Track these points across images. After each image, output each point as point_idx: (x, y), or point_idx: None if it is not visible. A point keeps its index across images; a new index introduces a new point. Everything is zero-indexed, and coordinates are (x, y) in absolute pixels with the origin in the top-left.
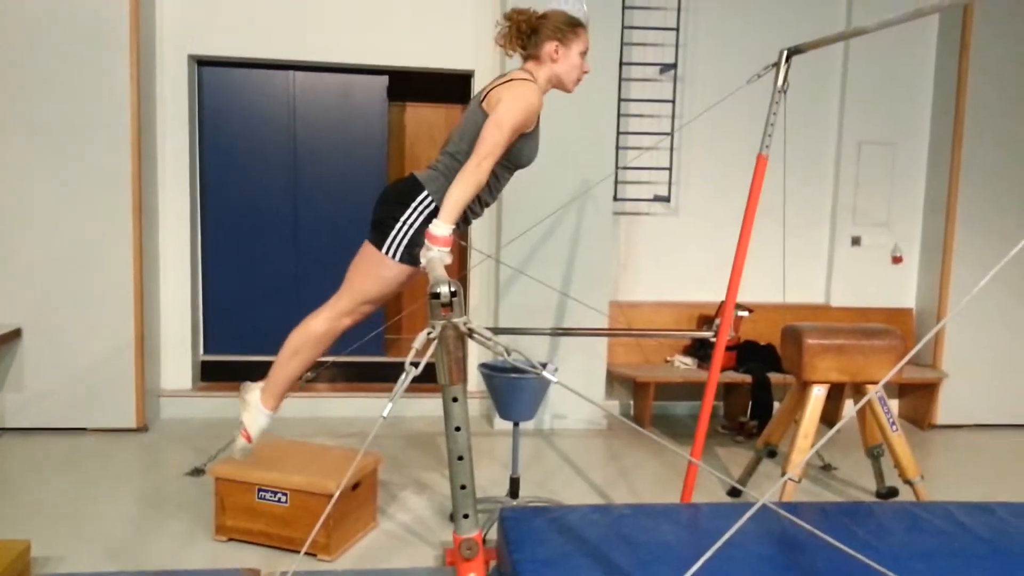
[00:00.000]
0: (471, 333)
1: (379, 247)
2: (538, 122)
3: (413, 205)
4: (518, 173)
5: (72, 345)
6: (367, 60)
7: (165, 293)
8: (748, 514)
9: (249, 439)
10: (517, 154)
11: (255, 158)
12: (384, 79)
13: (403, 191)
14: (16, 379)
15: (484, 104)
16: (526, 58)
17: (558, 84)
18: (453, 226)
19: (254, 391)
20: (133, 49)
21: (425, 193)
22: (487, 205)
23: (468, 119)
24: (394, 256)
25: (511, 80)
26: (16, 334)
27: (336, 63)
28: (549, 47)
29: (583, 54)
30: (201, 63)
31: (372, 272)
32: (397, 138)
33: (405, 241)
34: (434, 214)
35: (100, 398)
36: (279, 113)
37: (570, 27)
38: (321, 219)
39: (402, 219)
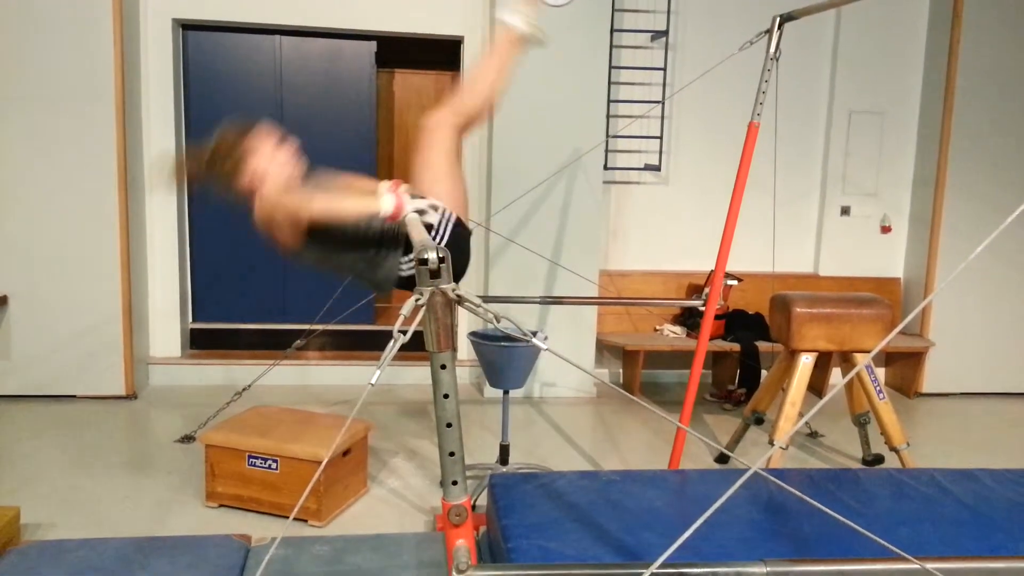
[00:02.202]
0: (460, 300)
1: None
2: None
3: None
4: (507, 139)
5: (60, 312)
6: (355, 25)
7: (153, 261)
8: (740, 481)
9: None
10: None
11: None
12: (372, 45)
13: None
14: (3, 346)
15: None
16: None
17: None
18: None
19: None
20: (116, 12)
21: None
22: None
23: None
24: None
25: None
26: (3, 301)
27: (323, 28)
28: None
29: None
30: (186, 27)
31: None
32: (385, 105)
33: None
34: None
35: (89, 365)
36: (265, 79)
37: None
38: None
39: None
